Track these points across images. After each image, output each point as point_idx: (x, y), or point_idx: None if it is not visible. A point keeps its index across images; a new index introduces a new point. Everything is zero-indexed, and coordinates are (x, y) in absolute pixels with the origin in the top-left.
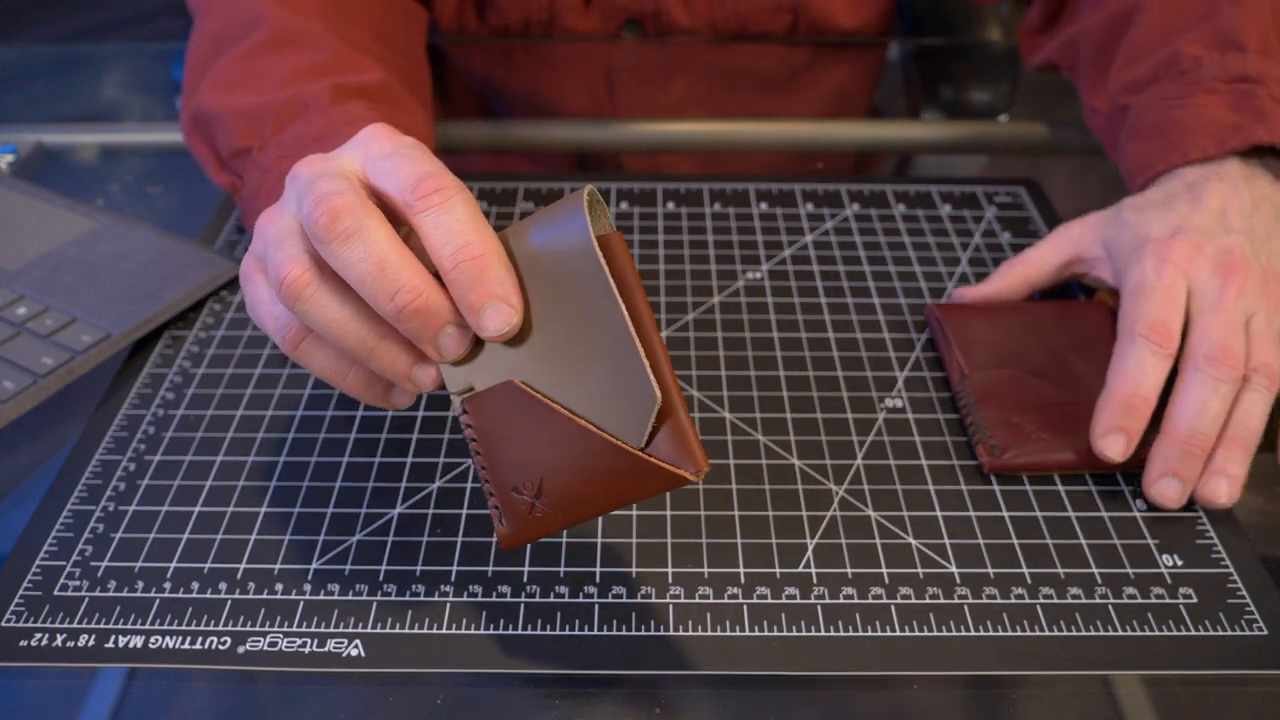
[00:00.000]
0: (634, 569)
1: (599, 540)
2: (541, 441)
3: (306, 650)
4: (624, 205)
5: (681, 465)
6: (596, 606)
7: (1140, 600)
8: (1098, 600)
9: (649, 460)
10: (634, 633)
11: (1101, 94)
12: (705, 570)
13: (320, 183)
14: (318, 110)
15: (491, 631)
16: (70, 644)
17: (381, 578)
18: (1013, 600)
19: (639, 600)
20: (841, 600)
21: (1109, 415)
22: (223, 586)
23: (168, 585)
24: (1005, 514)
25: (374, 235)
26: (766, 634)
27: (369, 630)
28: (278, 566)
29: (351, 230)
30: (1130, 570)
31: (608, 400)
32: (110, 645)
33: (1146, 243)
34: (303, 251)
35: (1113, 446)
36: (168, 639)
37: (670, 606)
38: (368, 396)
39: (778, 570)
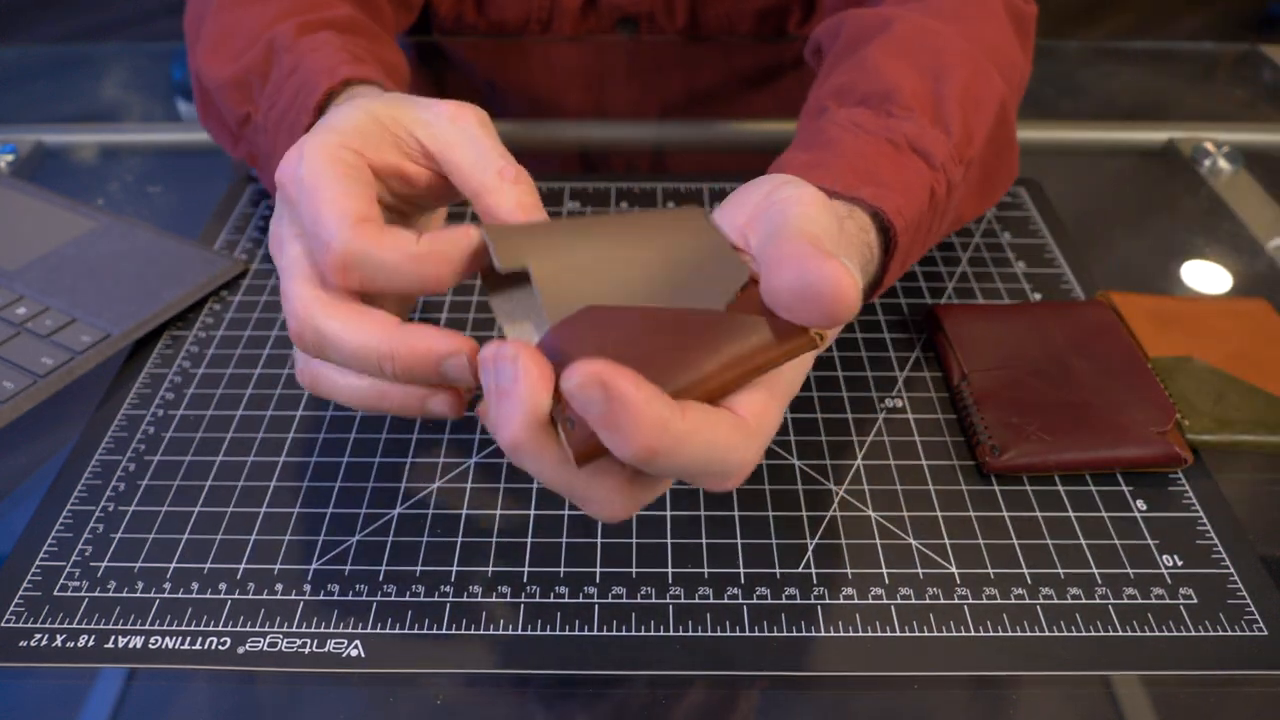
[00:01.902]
0: (634, 569)
1: (599, 540)
2: (631, 340)
3: (306, 650)
4: (624, 205)
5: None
6: (596, 607)
7: (1140, 600)
8: (1098, 600)
9: (773, 319)
10: (634, 633)
11: (822, 85)
12: (705, 571)
13: (282, 277)
14: (285, 48)
15: (491, 631)
16: (70, 644)
17: (381, 578)
18: (1013, 600)
19: (639, 601)
20: (841, 600)
21: None
22: (223, 587)
23: (167, 585)
24: (1005, 514)
25: (337, 337)
26: (767, 634)
27: (369, 630)
28: (278, 567)
29: (314, 344)
30: (1130, 570)
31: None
32: (110, 646)
33: None
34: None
35: None
36: (168, 639)
37: (670, 607)
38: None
39: (778, 570)
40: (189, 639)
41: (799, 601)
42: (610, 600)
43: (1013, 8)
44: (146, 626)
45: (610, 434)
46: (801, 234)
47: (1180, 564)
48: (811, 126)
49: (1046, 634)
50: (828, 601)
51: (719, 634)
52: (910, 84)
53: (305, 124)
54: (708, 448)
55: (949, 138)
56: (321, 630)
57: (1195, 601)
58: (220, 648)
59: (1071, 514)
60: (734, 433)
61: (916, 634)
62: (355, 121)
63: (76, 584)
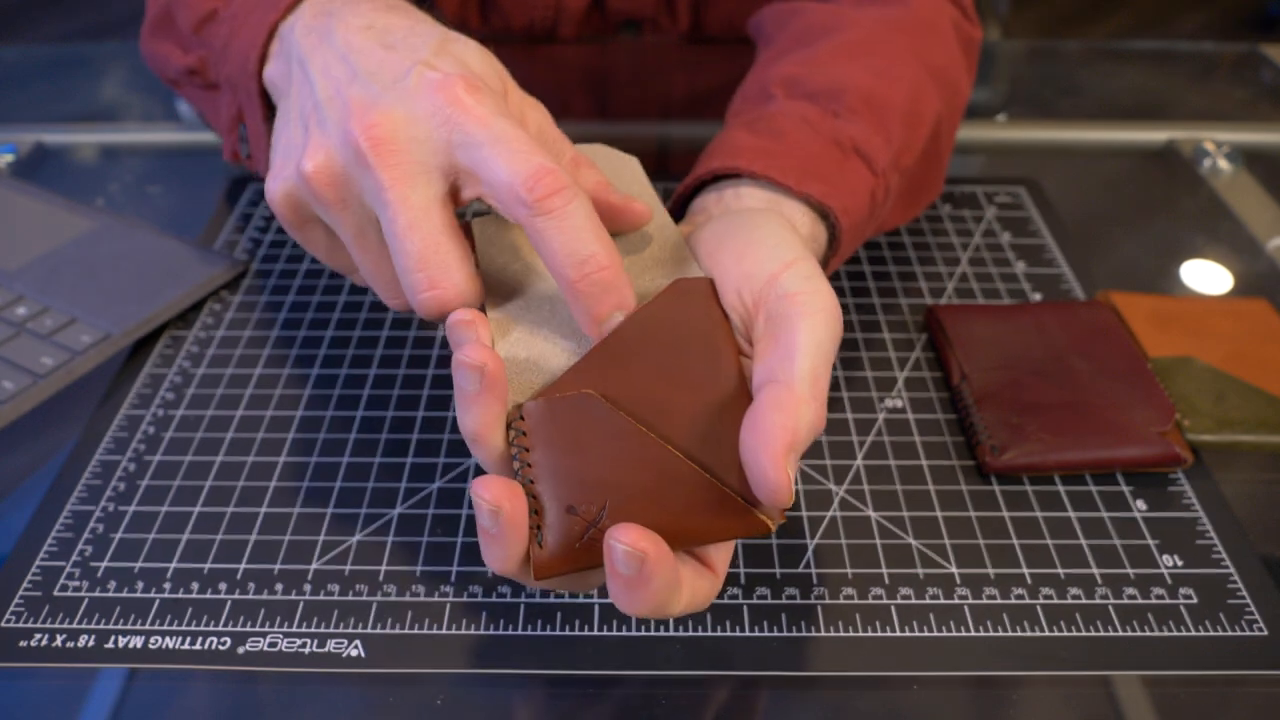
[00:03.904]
0: None
1: None
2: (613, 461)
3: (306, 650)
4: None
5: (766, 513)
6: (596, 607)
7: (1140, 600)
8: (1098, 600)
9: (738, 501)
10: (634, 633)
11: (767, 70)
12: None
13: (398, 218)
14: None
15: (491, 631)
16: (70, 644)
17: (381, 578)
18: (1013, 600)
19: None
20: (841, 600)
21: None
22: (223, 586)
23: (167, 585)
24: (1005, 514)
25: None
26: (766, 634)
27: (369, 630)
28: (278, 566)
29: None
30: (1130, 570)
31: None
32: (110, 645)
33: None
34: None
35: None
36: (168, 639)
37: None
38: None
39: (778, 570)
40: (189, 639)
41: (799, 601)
42: (610, 600)
43: (961, 31)
44: (146, 626)
45: (623, 594)
46: (794, 406)
47: (1180, 564)
48: (758, 111)
49: (1046, 634)
50: (828, 601)
51: (719, 634)
52: (857, 88)
53: (284, 4)
54: (688, 608)
55: (889, 145)
56: (321, 630)
57: (1195, 601)
58: (220, 648)
59: (1071, 514)
60: (711, 590)
61: (916, 634)
62: None
63: (76, 584)
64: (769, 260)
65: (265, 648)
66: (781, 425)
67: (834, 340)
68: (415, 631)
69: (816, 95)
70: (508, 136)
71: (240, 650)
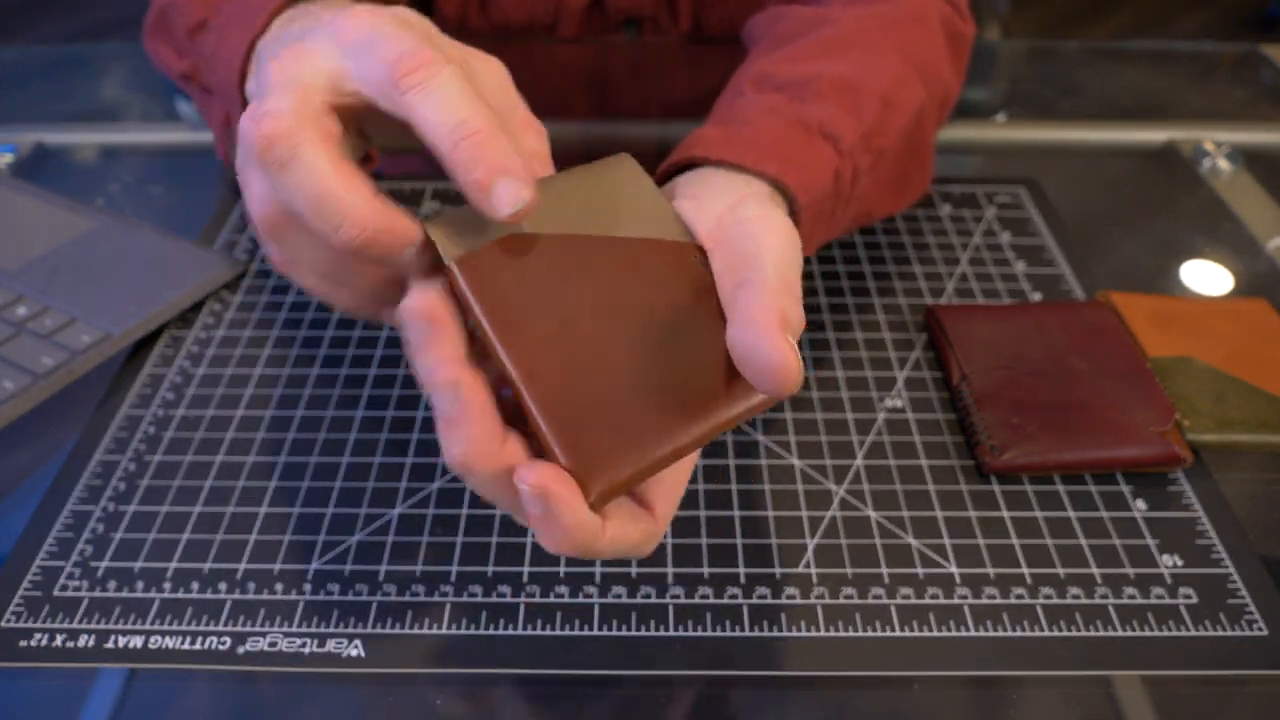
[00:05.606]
0: (634, 569)
1: None
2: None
3: (306, 650)
4: None
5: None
6: (596, 607)
7: (1140, 600)
8: (1098, 600)
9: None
10: (634, 633)
11: (743, 71)
12: (705, 570)
13: (266, 100)
14: None
15: (491, 631)
16: (70, 644)
17: (381, 578)
18: (1013, 600)
19: (639, 601)
20: (841, 600)
21: None
22: (223, 586)
23: (167, 585)
24: (1005, 514)
25: (309, 163)
26: (766, 634)
27: (369, 630)
28: (278, 566)
29: (285, 159)
30: (1130, 570)
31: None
32: (110, 645)
33: None
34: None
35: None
36: (168, 639)
37: (670, 607)
38: (365, 311)
39: (778, 570)
40: (189, 639)
41: (799, 601)
42: (610, 600)
43: (950, 26)
44: (146, 626)
45: (539, 530)
46: (774, 294)
47: (1180, 564)
48: (727, 108)
49: (1046, 634)
50: (828, 601)
51: (719, 634)
52: (828, 75)
53: (259, 25)
54: (615, 553)
55: (859, 124)
56: (321, 630)
57: (1195, 601)
58: (220, 648)
59: (1071, 514)
60: (644, 539)
61: (916, 634)
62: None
63: (76, 584)
64: (719, 200)
65: (265, 648)
66: (768, 306)
67: (796, 257)
68: (415, 631)
69: (785, 86)
70: (385, 33)
71: (240, 650)
